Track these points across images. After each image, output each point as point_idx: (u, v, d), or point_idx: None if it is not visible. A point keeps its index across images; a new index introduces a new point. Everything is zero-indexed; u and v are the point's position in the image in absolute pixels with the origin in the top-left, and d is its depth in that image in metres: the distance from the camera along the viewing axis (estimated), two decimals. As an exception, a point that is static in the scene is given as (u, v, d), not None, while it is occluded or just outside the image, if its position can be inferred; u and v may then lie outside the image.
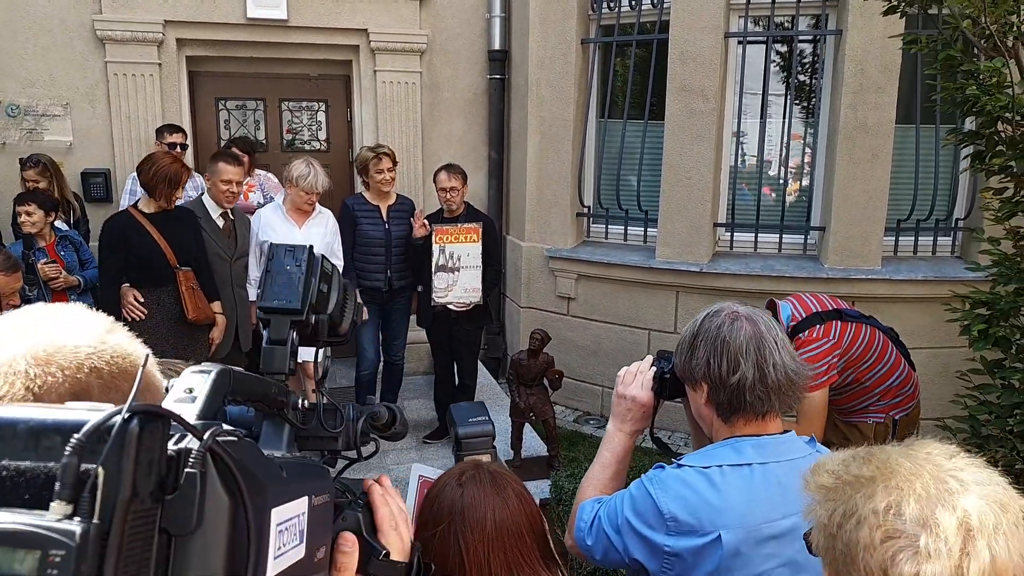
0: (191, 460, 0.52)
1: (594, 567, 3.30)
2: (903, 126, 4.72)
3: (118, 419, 0.48)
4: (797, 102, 5.06)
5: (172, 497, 0.51)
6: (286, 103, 6.04)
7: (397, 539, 0.91)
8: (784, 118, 5.02)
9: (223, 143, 5.86)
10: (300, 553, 0.68)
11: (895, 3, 2.72)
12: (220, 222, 4.16)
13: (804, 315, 2.99)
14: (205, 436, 0.53)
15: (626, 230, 5.44)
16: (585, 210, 5.61)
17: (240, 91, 5.92)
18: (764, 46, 4.96)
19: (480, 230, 4.73)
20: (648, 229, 5.33)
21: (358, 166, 4.78)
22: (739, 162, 5.18)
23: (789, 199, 5.16)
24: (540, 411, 4.32)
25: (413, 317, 5.00)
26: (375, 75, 5.74)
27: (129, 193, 5.01)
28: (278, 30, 5.52)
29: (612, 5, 5.26)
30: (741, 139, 5.11)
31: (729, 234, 5.17)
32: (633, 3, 5.17)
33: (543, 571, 1.27)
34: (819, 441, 1.67)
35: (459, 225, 4.73)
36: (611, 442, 1.78)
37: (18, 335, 0.73)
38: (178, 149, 4.90)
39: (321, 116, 6.10)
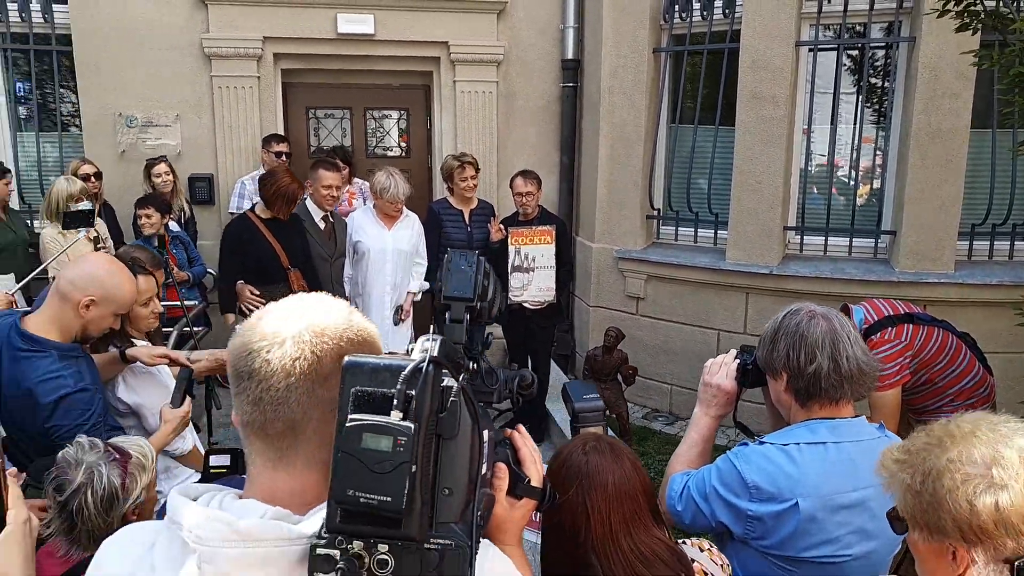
0: (453, 393, 0.86)
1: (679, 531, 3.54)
2: (978, 131, 4.75)
3: (424, 365, 0.82)
4: (868, 107, 5.13)
5: (443, 415, 0.85)
6: (370, 111, 6.41)
7: (535, 471, 1.21)
8: (855, 123, 5.10)
9: (312, 150, 6.28)
10: (485, 468, 0.99)
11: (966, 20, 2.84)
12: (322, 225, 4.53)
13: (876, 318, 3.14)
14: (460, 378, 0.83)
15: (696, 232, 5.60)
16: (655, 213, 5.79)
17: (328, 101, 6.33)
18: (835, 52, 5.06)
19: (554, 232, 5.00)
20: (718, 231, 5.48)
21: (443, 173, 5.10)
22: (809, 166, 5.28)
23: (859, 203, 5.23)
24: (614, 406, 4.54)
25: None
26: (454, 85, 6.06)
27: (237, 196, 5.45)
28: (365, 43, 5.89)
29: (684, 16, 5.43)
30: (811, 144, 5.21)
31: (799, 237, 5.28)
32: (704, 13, 5.33)
33: (654, 528, 1.51)
34: None
35: (534, 228, 4.99)
36: (698, 424, 2.03)
37: (297, 316, 1.00)
38: (283, 158, 5.30)
39: (402, 123, 6.46)
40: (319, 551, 0.85)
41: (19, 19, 5.61)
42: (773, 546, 1.74)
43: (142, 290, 2.70)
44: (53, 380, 2.34)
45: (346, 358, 0.90)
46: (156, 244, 4.83)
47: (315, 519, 0.91)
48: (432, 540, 0.86)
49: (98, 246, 4.62)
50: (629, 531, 1.49)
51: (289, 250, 4.17)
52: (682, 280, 5.52)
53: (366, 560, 0.84)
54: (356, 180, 5.69)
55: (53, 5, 5.66)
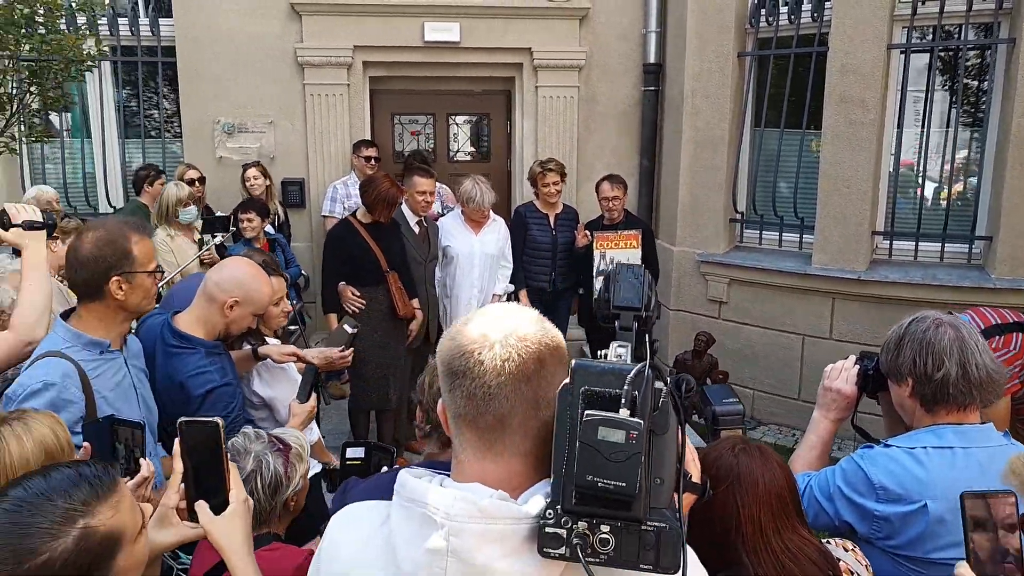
0: (663, 394, 1.00)
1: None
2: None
3: (645, 369, 0.97)
4: (962, 110, 5.04)
5: (656, 413, 0.99)
6: (452, 117, 6.57)
7: (695, 468, 1.30)
8: (948, 126, 5.01)
9: (395, 155, 6.47)
10: None
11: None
12: (416, 229, 4.68)
13: (983, 327, 3.11)
14: (668, 380, 0.99)
15: (781, 236, 5.58)
16: (738, 216, 5.79)
17: (412, 107, 6.51)
18: (928, 55, 4.98)
19: (639, 236, 5.05)
20: (803, 235, 5.45)
21: (529, 177, 5.22)
22: (899, 170, 5.21)
23: (952, 208, 5.14)
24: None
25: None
26: (536, 90, 6.16)
27: (329, 200, 5.67)
28: (450, 51, 6.05)
29: (770, 20, 5.42)
30: (901, 147, 5.13)
31: (888, 242, 5.21)
32: (792, 17, 5.31)
33: (800, 527, 1.57)
34: None
35: (619, 232, 5.06)
36: (817, 427, 2.10)
37: (500, 322, 1.11)
38: (373, 162, 5.49)
39: (483, 128, 6.60)
40: (548, 530, 0.97)
41: (128, 32, 5.94)
42: (900, 546, 1.79)
43: (274, 291, 2.88)
44: (202, 375, 2.52)
45: (574, 361, 1.03)
46: (256, 247, 5.07)
47: (533, 501, 1.02)
48: (649, 522, 0.97)
49: (202, 248, 4.87)
50: (778, 530, 1.56)
51: (388, 254, 4.33)
52: (765, 284, 5.50)
53: (590, 539, 0.96)
54: (436, 184, 5.84)
55: (159, 19, 5.97)
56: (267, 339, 3.02)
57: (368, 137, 6.07)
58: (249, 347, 2.94)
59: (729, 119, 5.62)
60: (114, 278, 2.20)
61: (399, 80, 6.31)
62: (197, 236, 4.92)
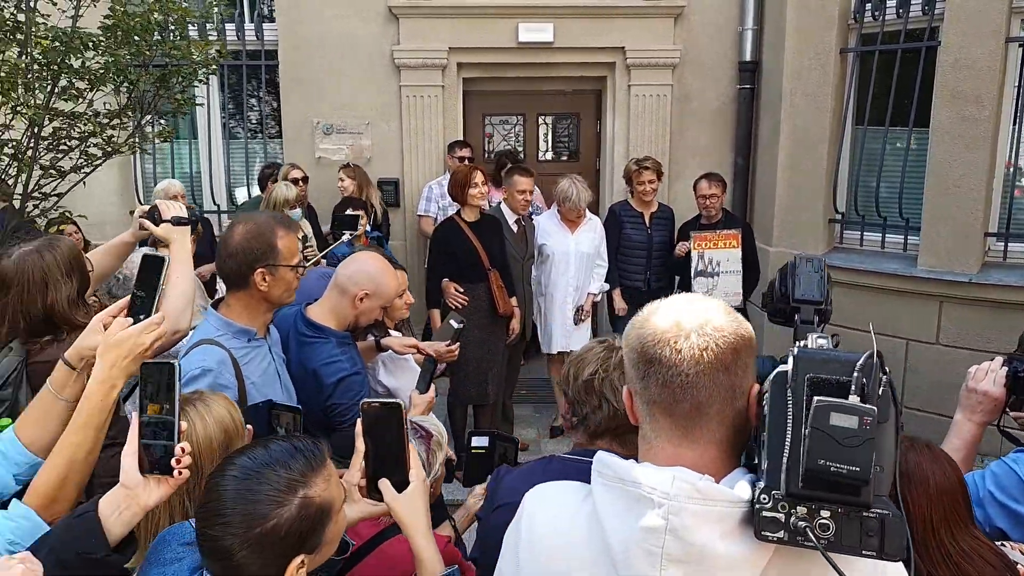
0: (883, 383, 0.99)
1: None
2: None
3: (874, 357, 0.99)
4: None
5: (879, 401, 0.98)
6: (542, 117, 6.61)
7: None
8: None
9: (487, 155, 6.55)
10: None
11: None
12: (515, 228, 4.74)
13: None
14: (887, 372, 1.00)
15: (884, 237, 5.41)
16: (838, 216, 5.64)
17: (503, 107, 6.58)
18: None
19: (739, 236, 4.98)
20: (908, 236, 5.27)
21: (624, 175, 5.21)
22: (1015, 169, 4.98)
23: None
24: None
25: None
26: (629, 89, 6.15)
27: (425, 200, 5.78)
28: (543, 51, 6.09)
29: (877, 15, 5.26)
30: (1020, 145, 4.90)
31: (1002, 244, 4.99)
32: (900, 11, 5.14)
33: (974, 528, 1.53)
34: None
35: (718, 232, 5.00)
36: (960, 430, 2.04)
37: (691, 312, 1.13)
38: (467, 163, 5.58)
39: (572, 128, 6.62)
40: (765, 514, 0.99)
41: (235, 37, 6.20)
42: None
43: (399, 284, 2.97)
44: (334, 363, 2.62)
45: (795, 349, 1.05)
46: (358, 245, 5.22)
47: (740, 486, 1.04)
48: (872, 509, 0.98)
49: (305, 245, 5.04)
50: (950, 530, 1.52)
51: (489, 251, 4.41)
52: (867, 286, 5.34)
53: (811, 524, 0.97)
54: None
55: (263, 24, 6.22)
56: (389, 331, 3.12)
57: (462, 137, 6.16)
58: (372, 338, 3.04)
59: (830, 117, 5.48)
60: (259, 269, 2.30)
61: (491, 81, 6.39)
62: (301, 234, 5.10)
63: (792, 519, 0.98)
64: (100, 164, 4.27)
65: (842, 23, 5.41)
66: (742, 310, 5.03)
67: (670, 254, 5.13)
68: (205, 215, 6.00)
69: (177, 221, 2.55)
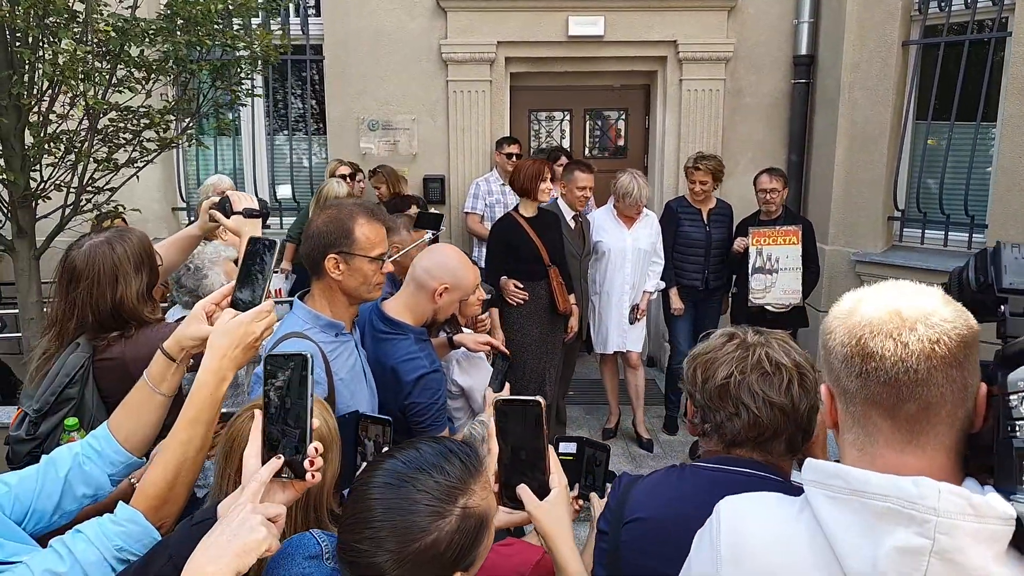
0: None
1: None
2: None
3: None
4: None
5: None
6: (589, 112, 6.49)
7: None
8: None
9: (532, 151, 6.44)
10: None
11: None
12: (572, 224, 4.63)
13: None
14: None
15: (946, 235, 5.25)
16: (899, 214, 5.47)
17: (550, 103, 6.47)
18: None
19: (799, 232, 4.82)
20: (973, 235, 5.10)
21: (685, 168, 5.07)
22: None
23: None
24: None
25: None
26: (680, 84, 6.01)
27: (472, 197, 5.69)
28: (593, 45, 5.97)
29: (943, 5, 5.10)
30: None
31: (1074, 242, 4.81)
32: (968, 1, 4.98)
33: None
34: None
35: (777, 228, 4.85)
36: None
37: (910, 302, 1.02)
38: (515, 159, 5.48)
39: (621, 124, 6.49)
40: None
41: (279, 31, 6.13)
42: None
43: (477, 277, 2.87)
44: (413, 360, 2.51)
45: None
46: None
47: (996, 500, 0.91)
48: None
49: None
50: None
51: (550, 248, 4.30)
52: (930, 285, 5.17)
53: None
54: None
55: (309, 18, 6.15)
56: (462, 328, 3.02)
57: (508, 133, 6.06)
58: (445, 335, 2.94)
59: (891, 111, 5.32)
60: (331, 256, 2.19)
61: (539, 76, 6.28)
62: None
63: None
64: (155, 157, 4.22)
65: (905, 15, 5.25)
66: (801, 309, 4.92)
67: (728, 252, 4.99)
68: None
69: (249, 213, 2.44)
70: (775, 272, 4.83)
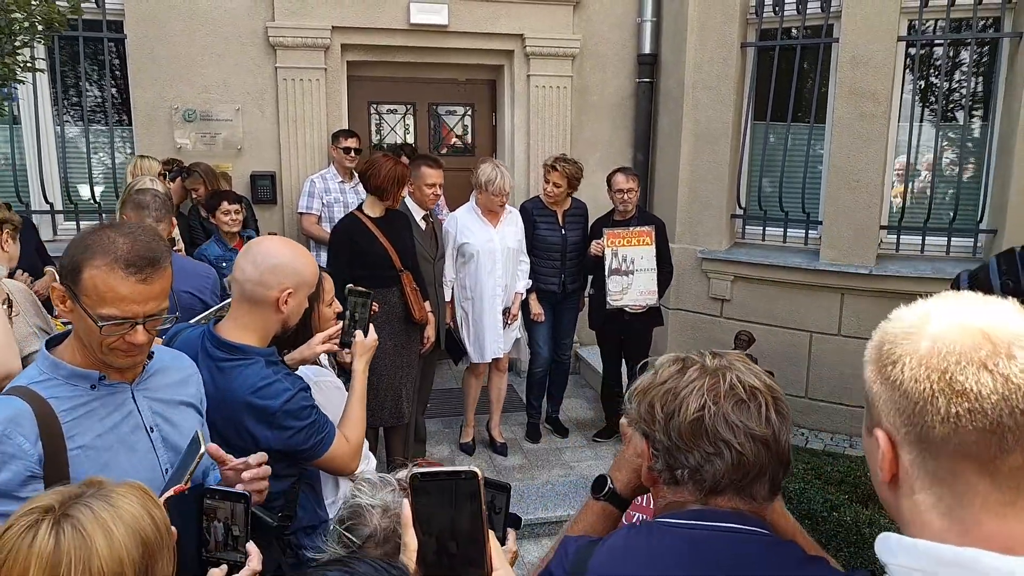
0: None
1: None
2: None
3: None
4: (968, 104, 5.03)
5: None
6: (434, 107, 6.14)
7: None
8: (960, 120, 5.00)
9: (373, 146, 5.99)
10: None
11: None
12: (423, 225, 4.25)
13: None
14: None
15: (786, 232, 5.45)
16: (740, 212, 5.62)
17: (392, 96, 6.04)
18: (935, 48, 4.95)
19: (652, 233, 4.77)
20: (809, 231, 5.34)
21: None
22: (909, 164, 5.15)
23: (958, 202, 5.12)
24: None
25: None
26: (528, 80, 5.82)
27: (307, 195, 5.15)
28: (437, 35, 5.62)
29: (776, 10, 5.28)
30: (911, 141, 5.08)
31: (894, 237, 5.16)
32: (799, 7, 5.18)
33: None
34: None
35: (631, 229, 4.76)
36: None
37: (992, 320, 0.79)
38: (353, 154, 5.01)
39: (467, 120, 6.19)
40: None
41: (65, 3, 5.21)
42: None
43: (325, 289, 2.43)
44: (271, 386, 2.02)
45: None
46: (231, 244, 4.53)
47: None
48: None
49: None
50: None
51: (400, 251, 3.89)
52: (772, 281, 5.36)
53: None
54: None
55: (105, -11, 5.28)
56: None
57: (346, 126, 5.56)
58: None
59: (732, 112, 5.45)
60: (60, 284, 1.61)
61: (379, 66, 5.83)
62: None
63: None
64: None
65: (742, 17, 5.39)
66: (656, 309, 4.89)
67: (584, 253, 4.84)
68: (33, 214, 5.01)
69: None
70: (631, 273, 4.74)
